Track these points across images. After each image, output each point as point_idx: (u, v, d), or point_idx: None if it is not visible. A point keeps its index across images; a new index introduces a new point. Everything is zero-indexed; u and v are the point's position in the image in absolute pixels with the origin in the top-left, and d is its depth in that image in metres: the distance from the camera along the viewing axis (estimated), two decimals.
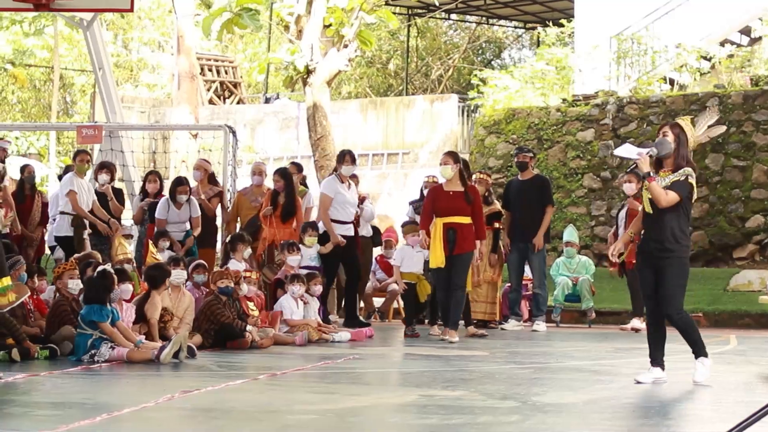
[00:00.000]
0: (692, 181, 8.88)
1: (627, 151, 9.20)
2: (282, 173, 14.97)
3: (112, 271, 10.68)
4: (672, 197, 8.83)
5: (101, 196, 15.13)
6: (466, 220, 13.03)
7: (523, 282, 15.66)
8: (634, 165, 9.06)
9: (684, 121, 9.11)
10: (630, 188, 15.15)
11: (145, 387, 8.87)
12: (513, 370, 10.24)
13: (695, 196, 9.05)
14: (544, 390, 8.79)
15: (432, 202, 13.21)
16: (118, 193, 15.65)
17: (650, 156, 8.92)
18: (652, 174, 8.88)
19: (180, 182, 15.13)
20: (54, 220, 15.06)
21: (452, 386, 8.87)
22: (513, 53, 47.40)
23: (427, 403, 7.82)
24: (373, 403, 7.88)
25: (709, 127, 9.31)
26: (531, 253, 15.16)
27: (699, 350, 9.09)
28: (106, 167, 15.50)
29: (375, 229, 16.58)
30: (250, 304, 12.76)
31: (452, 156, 13.25)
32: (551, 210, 15.42)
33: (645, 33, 23.76)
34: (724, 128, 10.02)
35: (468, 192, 13.17)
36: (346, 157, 14.84)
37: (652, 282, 9.02)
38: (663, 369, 9.12)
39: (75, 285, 11.25)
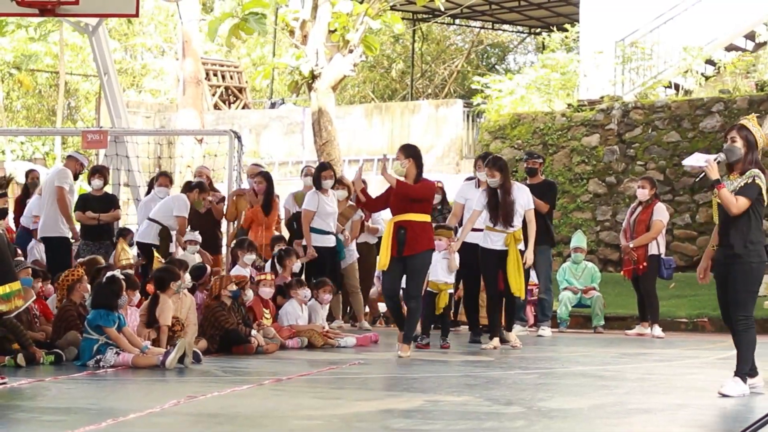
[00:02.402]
0: (759, 182, 8.66)
1: (696, 159, 9.06)
2: (264, 176, 15.63)
3: (121, 277, 10.68)
4: (742, 203, 8.66)
5: (98, 200, 15.11)
6: (420, 217, 11.76)
7: (528, 287, 15.62)
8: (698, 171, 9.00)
9: (750, 121, 8.85)
10: (643, 194, 15.15)
11: (151, 392, 8.87)
12: (518, 376, 10.23)
13: (767, 198, 8.76)
14: (550, 395, 8.78)
15: (386, 198, 12.06)
16: (112, 199, 15.59)
17: (718, 162, 8.76)
18: (722, 181, 8.73)
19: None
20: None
21: (457, 392, 8.86)
22: (518, 58, 47.45)
23: (433, 409, 7.82)
24: (379, 409, 7.87)
25: None
26: (536, 258, 15.12)
27: (741, 367, 8.71)
28: (99, 171, 15.49)
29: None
30: (266, 311, 12.77)
31: (404, 150, 11.95)
32: (546, 209, 15.15)
33: (650, 38, 23.74)
34: None
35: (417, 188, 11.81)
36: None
37: (723, 292, 8.92)
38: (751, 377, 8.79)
39: (88, 294, 11.31)
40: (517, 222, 12.93)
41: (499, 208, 12.85)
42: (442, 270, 12.82)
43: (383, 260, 11.77)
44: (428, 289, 12.76)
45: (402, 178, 11.72)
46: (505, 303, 13.28)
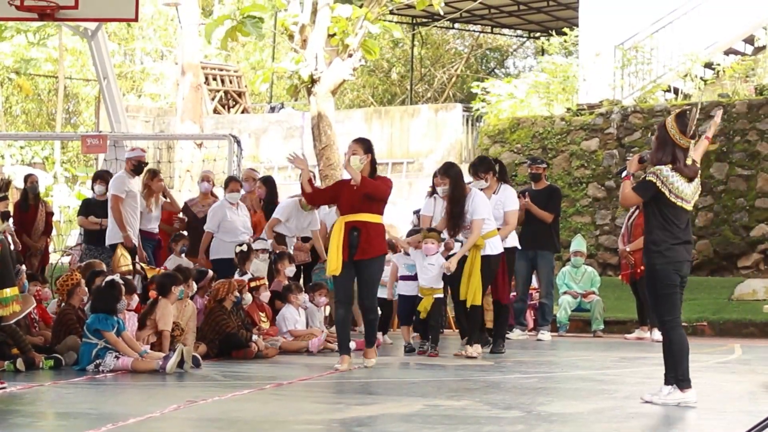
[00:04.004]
0: (653, 179, 8.34)
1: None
2: (264, 180, 15.63)
3: (121, 282, 10.68)
4: (627, 196, 8.58)
5: (100, 205, 15.06)
6: (374, 218, 10.81)
7: (529, 291, 15.63)
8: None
9: (671, 117, 8.54)
10: None
11: (151, 397, 8.87)
12: (518, 380, 10.23)
13: (672, 197, 8.35)
14: (549, 400, 8.79)
15: (333, 194, 11.30)
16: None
17: (642, 160, 8.69)
18: (628, 174, 8.66)
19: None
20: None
21: (457, 396, 8.87)
22: (517, 62, 47.47)
23: (432, 413, 7.82)
24: (378, 413, 7.88)
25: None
26: (539, 262, 15.14)
27: (667, 374, 8.48)
28: (101, 177, 15.43)
29: None
30: (262, 315, 12.78)
31: (362, 144, 10.97)
32: (550, 217, 15.21)
33: (649, 42, 23.75)
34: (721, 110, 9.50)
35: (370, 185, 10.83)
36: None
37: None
38: None
39: (87, 299, 11.32)
40: (489, 225, 12.18)
41: (455, 218, 12.09)
42: (429, 275, 12.24)
43: (334, 264, 10.72)
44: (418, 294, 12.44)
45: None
46: (466, 313, 12.28)
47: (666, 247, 8.39)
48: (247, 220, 14.75)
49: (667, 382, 8.45)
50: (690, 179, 8.45)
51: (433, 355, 12.20)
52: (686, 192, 8.42)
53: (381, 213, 10.96)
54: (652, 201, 8.45)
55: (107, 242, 14.59)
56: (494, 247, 12.24)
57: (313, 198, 11.40)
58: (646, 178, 8.42)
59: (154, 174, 15.19)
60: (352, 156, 10.79)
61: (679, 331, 8.47)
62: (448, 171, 12.23)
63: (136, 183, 14.88)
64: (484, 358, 12.11)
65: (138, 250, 14.49)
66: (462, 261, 12.02)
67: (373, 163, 10.95)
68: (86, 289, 11.37)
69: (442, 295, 12.56)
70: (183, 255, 14.24)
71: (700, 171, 8.65)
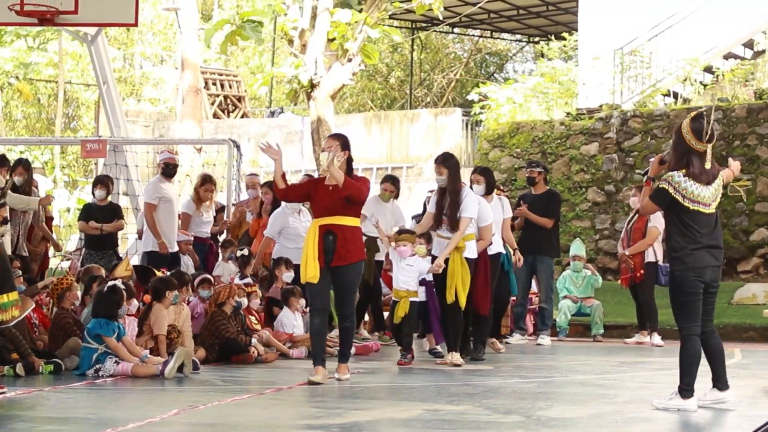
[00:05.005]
0: (665, 186, 8.30)
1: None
2: (271, 186, 15.11)
3: (123, 287, 10.68)
4: (644, 204, 8.62)
5: (101, 210, 15.06)
6: (351, 222, 10.10)
7: (529, 296, 15.62)
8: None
9: (685, 120, 8.46)
10: (635, 202, 15.19)
11: (150, 402, 8.87)
12: (518, 385, 10.23)
13: (687, 202, 8.27)
14: (549, 404, 8.79)
15: (306, 191, 10.54)
16: (115, 208, 15.46)
17: (662, 162, 8.64)
18: (649, 179, 8.65)
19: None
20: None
21: (457, 401, 8.87)
22: (517, 66, 47.49)
23: (432, 418, 7.82)
24: (378, 418, 7.88)
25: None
26: (538, 267, 15.13)
27: (680, 381, 8.47)
28: (101, 182, 15.40)
29: None
30: (252, 318, 12.77)
31: (339, 140, 10.25)
32: (550, 222, 15.20)
33: (649, 46, 23.76)
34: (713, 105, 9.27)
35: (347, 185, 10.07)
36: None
37: None
38: None
39: (78, 301, 11.34)
40: (470, 228, 11.78)
41: (444, 210, 11.65)
42: (405, 277, 11.95)
43: (311, 271, 9.96)
44: (394, 299, 12.14)
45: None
46: (449, 319, 11.87)
47: (685, 253, 8.32)
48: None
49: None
50: (707, 183, 8.35)
51: (406, 363, 11.80)
52: (704, 195, 8.32)
53: (358, 215, 10.36)
54: (669, 208, 8.40)
55: (142, 249, 14.59)
56: (471, 251, 11.86)
57: (285, 194, 10.65)
58: (659, 186, 8.38)
59: (203, 180, 15.11)
60: (328, 153, 10.01)
61: (696, 340, 8.39)
62: (447, 161, 11.83)
63: (173, 188, 14.81)
64: (483, 363, 12.10)
65: (191, 254, 14.52)
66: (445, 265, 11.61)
67: (349, 161, 10.23)
68: (77, 293, 11.37)
69: (417, 299, 12.12)
70: (231, 261, 14.20)
71: (722, 173, 8.50)
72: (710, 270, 8.38)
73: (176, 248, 14.49)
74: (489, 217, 12.27)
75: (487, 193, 13.11)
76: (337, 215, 10.00)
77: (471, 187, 12.67)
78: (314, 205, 10.26)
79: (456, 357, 11.73)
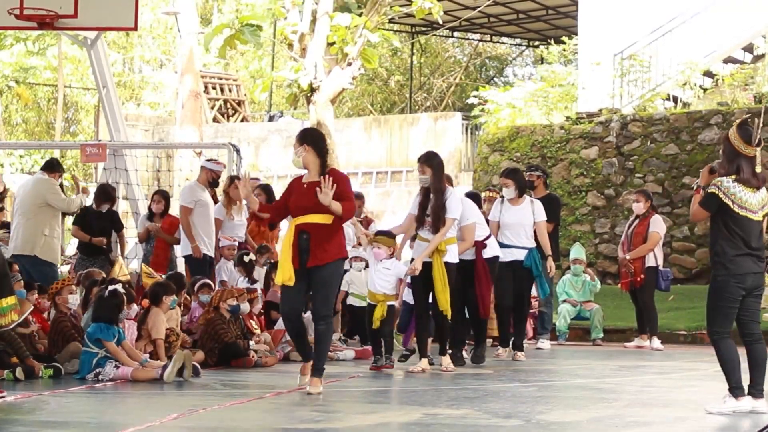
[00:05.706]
0: (715, 191, 8.31)
1: None
2: (264, 188, 15.27)
3: (123, 291, 10.68)
4: (695, 211, 8.57)
5: (97, 216, 14.99)
6: (325, 219, 9.46)
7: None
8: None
9: (733, 127, 8.51)
10: (639, 207, 15.19)
11: (150, 406, 8.87)
12: (517, 389, 10.23)
13: (736, 207, 8.29)
14: (549, 408, 8.78)
15: (286, 198, 9.89)
16: (113, 216, 15.33)
17: (712, 171, 8.56)
18: (700, 186, 8.57)
19: None
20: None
21: (456, 405, 8.86)
22: (516, 70, 47.51)
23: (432, 422, 7.82)
24: (378, 422, 7.87)
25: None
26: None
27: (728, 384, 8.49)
28: (108, 197, 15.22)
29: None
30: (253, 323, 12.77)
31: (301, 137, 9.85)
32: (550, 226, 15.15)
33: (648, 50, 23.77)
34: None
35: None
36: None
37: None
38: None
39: (74, 300, 11.30)
40: (452, 232, 11.51)
41: (427, 211, 11.34)
42: (381, 280, 11.61)
43: (286, 273, 9.43)
44: (369, 302, 11.81)
45: (305, 171, 9.80)
46: (435, 323, 11.58)
47: (728, 259, 8.33)
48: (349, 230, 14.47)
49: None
50: (756, 188, 8.38)
51: (389, 366, 11.64)
52: (751, 202, 8.35)
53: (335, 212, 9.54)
54: (717, 212, 8.41)
55: (181, 253, 14.55)
56: (452, 255, 11.59)
57: (273, 219, 10.46)
58: (708, 191, 8.40)
59: (231, 180, 14.84)
60: (296, 152, 9.69)
61: (728, 341, 8.41)
62: (431, 160, 11.45)
63: (208, 194, 14.66)
64: (482, 367, 12.10)
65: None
66: (429, 269, 11.34)
67: (319, 154, 9.68)
68: (68, 297, 11.34)
69: (394, 303, 11.86)
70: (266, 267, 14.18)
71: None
72: (752, 276, 8.41)
73: (212, 252, 14.36)
74: (472, 217, 12.05)
75: (519, 195, 13.12)
76: (311, 213, 9.50)
77: (501, 192, 12.96)
78: (291, 206, 9.76)
79: (446, 361, 11.63)
